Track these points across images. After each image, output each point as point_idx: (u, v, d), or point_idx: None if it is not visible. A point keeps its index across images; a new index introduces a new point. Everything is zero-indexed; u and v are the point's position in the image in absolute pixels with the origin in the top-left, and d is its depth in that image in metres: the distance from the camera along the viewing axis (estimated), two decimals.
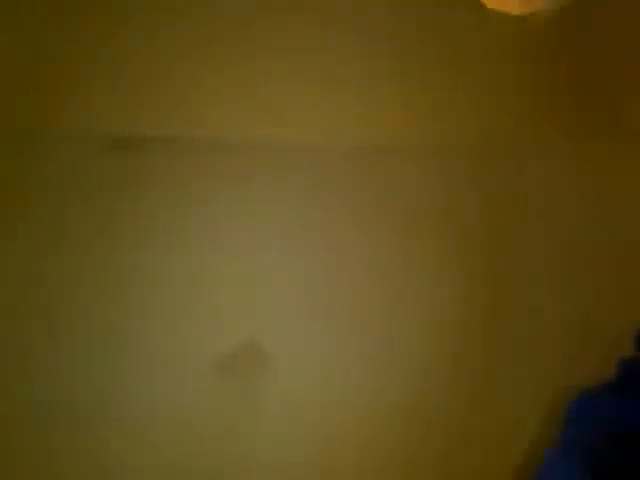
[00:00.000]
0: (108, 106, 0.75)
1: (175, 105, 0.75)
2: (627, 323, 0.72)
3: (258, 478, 0.70)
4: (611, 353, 0.71)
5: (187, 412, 0.71)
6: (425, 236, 0.74)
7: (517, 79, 0.76)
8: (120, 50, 0.75)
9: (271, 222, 0.74)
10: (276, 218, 0.74)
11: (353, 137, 0.76)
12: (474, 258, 0.74)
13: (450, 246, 0.74)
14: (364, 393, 0.71)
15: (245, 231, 0.74)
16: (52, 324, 0.71)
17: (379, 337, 0.72)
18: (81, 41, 0.75)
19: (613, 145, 0.76)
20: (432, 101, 0.76)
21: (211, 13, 0.76)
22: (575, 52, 0.76)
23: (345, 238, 0.74)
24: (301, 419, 0.71)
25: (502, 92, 0.76)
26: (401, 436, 0.71)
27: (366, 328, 0.72)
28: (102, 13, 0.76)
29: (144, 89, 0.75)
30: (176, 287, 0.73)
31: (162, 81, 0.75)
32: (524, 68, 0.76)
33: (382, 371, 0.71)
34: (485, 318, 0.73)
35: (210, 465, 0.70)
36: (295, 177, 0.75)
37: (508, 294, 0.73)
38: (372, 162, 0.75)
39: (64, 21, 0.75)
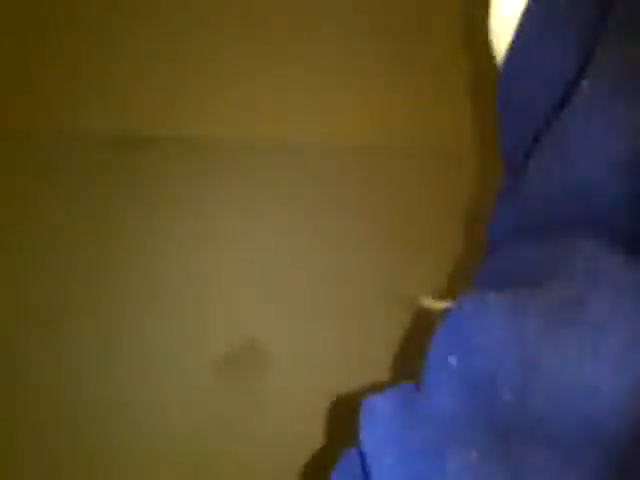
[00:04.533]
0: (108, 106, 0.75)
1: (175, 105, 0.75)
2: None
3: (258, 478, 0.70)
4: None
5: (187, 412, 0.71)
6: (426, 235, 0.73)
7: None
8: (120, 50, 0.76)
9: (271, 222, 0.74)
10: (276, 218, 0.74)
11: (353, 137, 0.76)
12: (475, 259, 0.73)
13: (452, 246, 0.73)
14: (365, 393, 0.71)
15: (245, 231, 0.74)
16: (50, 324, 0.71)
17: (380, 336, 0.72)
18: (81, 41, 0.75)
19: None
20: (434, 101, 0.76)
21: (211, 13, 0.76)
22: None
23: (345, 237, 0.74)
24: (301, 419, 0.71)
25: None
26: None
27: (367, 328, 0.72)
28: (102, 13, 0.76)
29: (144, 89, 0.75)
30: (175, 287, 0.73)
31: (162, 81, 0.76)
32: None
33: (383, 370, 0.71)
34: None
35: (209, 464, 0.70)
36: (295, 177, 0.75)
37: None
38: (372, 162, 0.75)
39: (64, 21, 0.76)
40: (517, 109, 0.37)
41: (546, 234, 0.32)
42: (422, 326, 0.72)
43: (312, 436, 0.70)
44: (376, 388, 0.35)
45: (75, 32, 0.76)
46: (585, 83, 0.32)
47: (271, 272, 0.73)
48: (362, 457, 0.30)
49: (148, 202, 0.74)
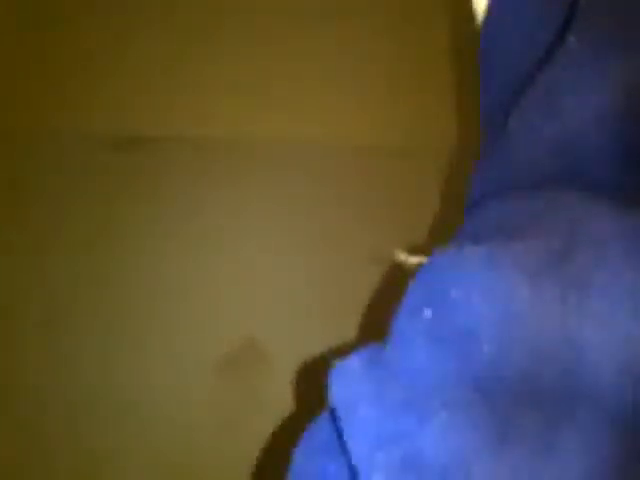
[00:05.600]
0: (108, 106, 0.75)
1: (175, 105, 0.75)
2: None
3: (258, 477, 0.69)
4: None
5: (187, 412, 0.71)
6: (428, 235, 0.73)
7: None
8: (120, 50, 0.76)
9: (271, 221, 0.74)
10: (276, 217, 0.74)
11: (353, 137, 0.76)
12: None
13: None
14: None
15: (245, 230, 0.74)
16: (51, 324, 0.71)
17: (381, 337, 0.72)
18: (81, 41, 0.76)
19: None
20: (434, 101, 0.76)
21: (212, 13, 0.77)
22: None
23: (346, 237, 0.74)
24: (301, 418, 0.70)
25: None
26: None
27: (367, 327, 0.72)
28: (103, 13, 0.76)
29: (144, 89, 0.75)
30: (176, 287, 0.73)
31: (162, 81, 0.76)
32: None
33: None
34: None
35: (210, 465, 0.70)
36: (295, 176, 0.75)
37: None
38: (372, 162, 0.75)
39: (64, 21, 0.76)
40: (498, 69, 0.37)
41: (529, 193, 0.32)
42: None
43: None
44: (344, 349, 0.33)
45: (75, 32, 0.76)
46: (572, 38, 0.32)
47: (271, 272, 0.73)
48: (332, 418, 0.29)
49: (148, 202, 0.74)
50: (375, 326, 0.72)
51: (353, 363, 0.29)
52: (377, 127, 0.76)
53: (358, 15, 0.77)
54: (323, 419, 0.29)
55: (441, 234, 0.74)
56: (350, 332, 0.72)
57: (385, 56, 0.77)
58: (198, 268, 0.73)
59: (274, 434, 0.69)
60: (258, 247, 0.74)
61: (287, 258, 0.73)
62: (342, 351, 0.30)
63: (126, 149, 0.74)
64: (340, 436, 0.27)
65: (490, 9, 0.36)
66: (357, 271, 0.73)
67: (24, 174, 0.73)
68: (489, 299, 0.26)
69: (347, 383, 0.28)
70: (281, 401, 0.71)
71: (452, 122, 0.76)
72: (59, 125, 0.74)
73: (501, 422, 0.25)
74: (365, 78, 0.76)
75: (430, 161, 0.75)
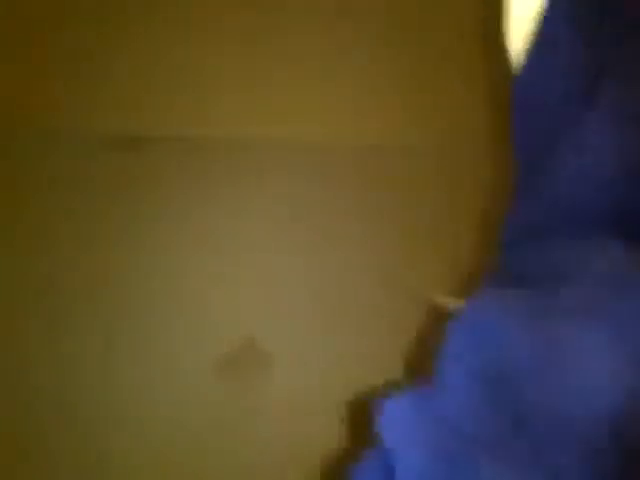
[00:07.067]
0: (108, 106, 0.75)
1: (176, 105, 0.75)
2: None
3: (258, 477, 0.70)
4: None
5: (187, 412, 0.71)
6: (426, 233, 0.73)
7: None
8: (120, 51, 0.76)
9: (271, 221, 0.74)
10: (276, 217, 0.74)
11: (353, 137, 0.76)
12: (475, 259, 0.74)
13: (451, 243, 0.73)
14: (369, 392, 0.71)
15: (245, 230, 0.74)
16: (52, 323, 0.71)
17: (381, 336, 0.72)
18: (81, 41, 0.75)
19: None
20: (434, 101, 0.76)
21: (212, 13, 0.76)
22: None
23: (345, 237, 0.74)
24: (301, 418, 0.71)
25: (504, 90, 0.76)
26: None
27: (367, 327, 0.72)
28: (103, 13, 0.76)
29: (144, 89, 0.75)
30: (176, 286, 0.73)
31: (162, 81, 0.76)
32: None
33: (382, 369, 0.71)
34: None
35: (210, 465, 0.70)
36: (295, 177, 0.75)
37: None
38: (372, 162, 0.75)
39: (64, 21, 0.76)
40: (534, 111, 0.37)
41: (562, 234, 0.32)
42: (424, 323, 0.72)
43: (313, 435, 0.70)
44: (388, 387, 0.34)
45: (75, 32, 0.76)
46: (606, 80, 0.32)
47: (271, 272, 0.73)
48: (385, 456, 0.29)
49: (148, 202, 0.74)
50: (375, 331, 0.72)
51: (400, 405, 0.29)
52: (377, 127, 0.76)
53: (358, 15, 0.77)
54: (373, 459, 0.30)
55: (441, 235, 0.74)
56: (349, 332, 0.72)
57: (385, 56, 0.76)
58: (198, 268, 0.73)
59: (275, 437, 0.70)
60: (258, 247, 0.74)
61: (287, 258, 0.73)
62: (384, 390, 0.31)
63: (126, 149, 0.74)
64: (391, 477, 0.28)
65: (528, 57, 0.37)
66: (356, 271, 0.73)
67: (24, 174, 0.73)
68: (529, 347, 0.27)
69: (396, 426, 0.29)
70: (280, 401, 0.71)
71: (452, 122, 0.76)
72: (59, 125, 0.74)
73: (549, 474, 0.25)
74: (365, 78, 0.76)
75: (430, 160, 0.75)
